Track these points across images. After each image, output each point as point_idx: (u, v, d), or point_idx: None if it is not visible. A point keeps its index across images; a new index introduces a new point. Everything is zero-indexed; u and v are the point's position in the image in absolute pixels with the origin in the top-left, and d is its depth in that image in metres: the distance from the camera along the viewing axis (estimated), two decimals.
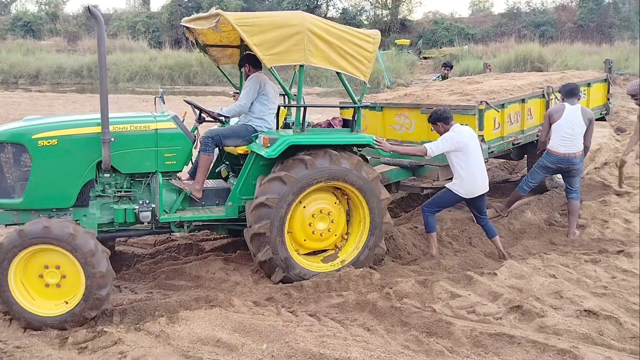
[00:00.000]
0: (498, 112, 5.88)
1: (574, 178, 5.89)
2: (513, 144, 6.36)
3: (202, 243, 5.91)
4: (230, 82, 6.04)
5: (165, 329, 3.70)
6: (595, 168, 8.79)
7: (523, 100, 6.35)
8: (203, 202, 4.91)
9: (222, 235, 5.82)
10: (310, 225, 4.78)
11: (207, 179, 5.40)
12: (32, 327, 3.91)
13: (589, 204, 6.61)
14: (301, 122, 4.69)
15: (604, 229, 5.85)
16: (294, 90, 4.92)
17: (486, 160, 5.87)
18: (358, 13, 45.47)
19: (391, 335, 3.78)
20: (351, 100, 5.00)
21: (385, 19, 45.29)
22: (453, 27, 42.46)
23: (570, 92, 5.90)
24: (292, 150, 4.61)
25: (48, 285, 3.97)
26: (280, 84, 4.72)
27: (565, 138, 5.73)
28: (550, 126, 5.87)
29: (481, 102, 5.64)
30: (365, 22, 44.79)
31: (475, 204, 5.33)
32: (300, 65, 4.54)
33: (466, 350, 3.53)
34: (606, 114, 8.05)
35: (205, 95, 22.40)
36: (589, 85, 7.37)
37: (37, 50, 32.85)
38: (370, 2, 45.97)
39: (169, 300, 4.31)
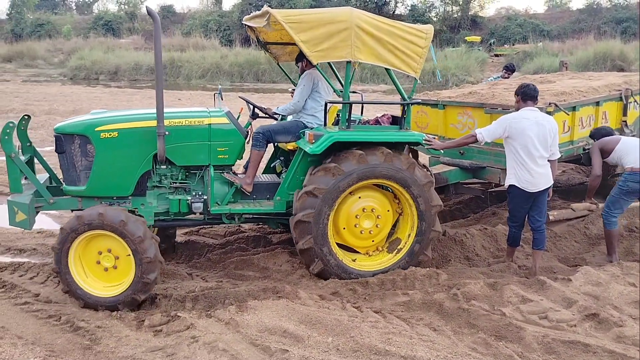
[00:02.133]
0: (568, 115, 5.57)
1: None
2: (584, 149, 6.00)
3: (270, 235, 6.04)
4: (291, 80, 6.11)
5: (234, 317, 3.82)
6: None
7: (597, 103, 5.99)
8: (254, 196, 4.97)
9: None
10: (356, 217, 4.72)
11: (262, 173, 5.47)
12: (88, 307, 4.18)
13: None
14: (347, 118, 4.62)
15: None
16: (359, 87, 4.88)
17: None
18: (427, 10, 44.72)
19: (458, 336, 3.72)
20: (401, 97, 4.85)
21: (456, 15, 44.26)
22: (527, 23, 40.89)
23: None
24: (340, 147, 4.59)
25: (106, 269, 4.25)
26: (327, 81, 4.69)
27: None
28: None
29: (550, 103, 5.37)
30: (435, 19, 43.98)
31: (537, 202, 4.81)
32: (348, 62, 4.46)
33: (537, 356, 3.42)
34: None
35: (274, 92, 22.79)
36: None
37: (117, 48, 34.65)
38: None
39: (238, 289, 4.45)
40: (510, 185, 4.78)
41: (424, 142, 4.78)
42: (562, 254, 5.46)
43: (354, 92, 5.87)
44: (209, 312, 4.02)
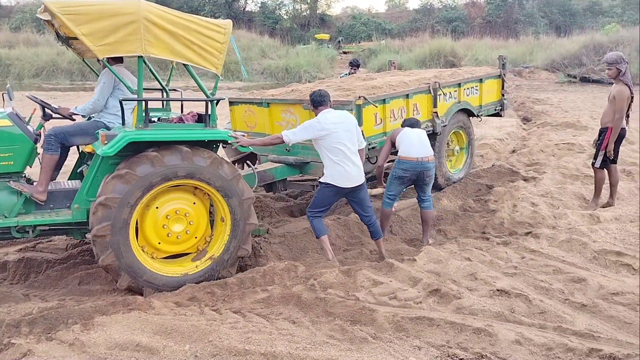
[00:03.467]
0: (377, 107, 5.88)
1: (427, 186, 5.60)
2: None
3: None
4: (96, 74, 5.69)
5: (79, 337, 3.50)
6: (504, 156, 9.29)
7: (407, 96, 6.35)
8: (52, 205, 4.61)
9: None
10: (164, 227, 4.48)
11: (69, 179, 5.13)
12: None
13: (499, 189, 6.99)
14: (144, 117, 4.34)
15: (513, 212, 6.20)
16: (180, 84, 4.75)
17: (367, 157, 5.96)
18: (277, 7, 45.34)
19: (316, 326, 3.80)
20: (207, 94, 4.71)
21: (305, 13, 45.48)
22: (371, 22, 43.38)
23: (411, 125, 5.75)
24: (143, 149, 4.35)
25: None
26: (155, 77, 4.53)
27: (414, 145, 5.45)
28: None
29: (359, 97, 5.61)
30: (285, 17, 44.76)
31: (356, 199, 5.02)
32: (139, 57, 4.26)
33: (389, 335, 3.62)
34: (501, 110, 8.16)
35: None
36: (480, 81, 7.54)
37: None
38: None
39: (83, 306, 4.09)
40: (323, 182, 4.90)
41: (229, 137, 4.62)
42: (408, 236, 5.86)
43: (173, 89, 5.76)
44: (50, 334, 3.63)
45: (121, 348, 3.41)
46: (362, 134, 5.16)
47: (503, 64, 8.02)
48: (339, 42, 37.54)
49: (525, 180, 7.53)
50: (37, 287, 4.73)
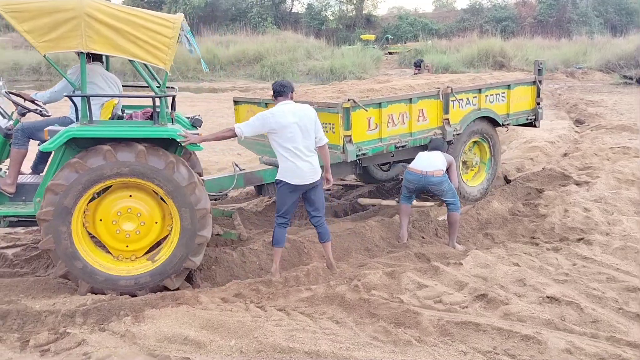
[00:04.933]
0: (367, 111, 5.58)
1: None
2: (396, 147, 5.97)
3: None
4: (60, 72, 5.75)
5: (130, 329, 3.62)
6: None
7: (410, 101, 6.00)
8: (23, 198, 4.70)
9: None
10: (114, 223, 4.43)
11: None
12: None
13: (550, 193, 6.78)
14: (88, 113, 4.31)
15: (565, 217, 6.01)
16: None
17: (356, 162, 5.90)
18: (323, 8, 45.47)
19: (360, 327, 3.80)
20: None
21: (351, 14, 45.42)
22: (417, 22, 42.90)
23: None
24: (90, 145, 4.34)
25: None
26: (141, 74, 4.48)
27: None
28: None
29: (348, 100, 5.37)
30: (331, 18, 44.86)
31: (309, 198, 4.80)
32: (82, 53, 4.24)
33: (434, 339, 3.58)
34: (534, 119, 7.51)
35: (138, 89, 22.02)
36: (508, 87, 7.05)
37: None
38: None
39: (134, 299, 4.23)
40: (277, 179, 4.71)
41: (178, 136, 4.42)
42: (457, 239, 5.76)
43: (158, 86, 5.77)
44: (102, 325, 3.78)
45: (170, 341, 3.51)
46: (352, 140, 5.16)
47: (539, 70, 7.39)
48: (387, 39, 37.30)
49: (577, 184, 7.28)
50: None
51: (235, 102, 6.97)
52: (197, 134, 4.73)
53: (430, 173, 5.58)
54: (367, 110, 5.60)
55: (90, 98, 4.44)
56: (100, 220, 4.45)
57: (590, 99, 17.80)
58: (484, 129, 6.98)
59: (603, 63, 26.48)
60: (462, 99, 6.53)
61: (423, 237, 5.87)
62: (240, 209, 6.90)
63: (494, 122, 7.06)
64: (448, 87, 6.32)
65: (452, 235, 5.67)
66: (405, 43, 37.87)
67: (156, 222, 4.54)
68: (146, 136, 4.40)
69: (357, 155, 5.61)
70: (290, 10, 45.97)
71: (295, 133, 4.52)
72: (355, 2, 45.28)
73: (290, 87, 4.71)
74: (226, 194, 5.61)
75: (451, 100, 6.36)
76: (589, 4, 42.43)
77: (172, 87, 5.52)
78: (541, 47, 30.57)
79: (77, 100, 4.63)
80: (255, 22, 39.90)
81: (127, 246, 4.54)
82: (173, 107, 4.98)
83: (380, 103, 5.73)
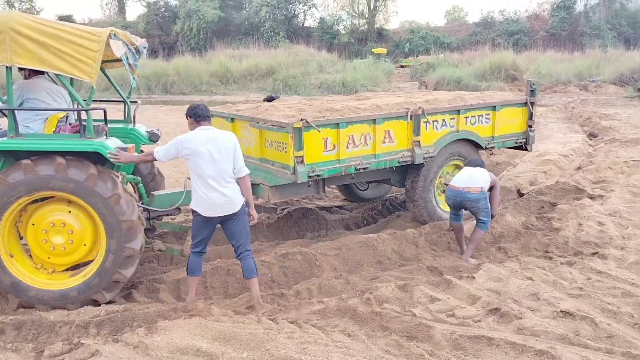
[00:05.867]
0: (319, 132, 5.33)
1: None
2: (356, 169, 5.71)
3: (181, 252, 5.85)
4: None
5: (143, 340, 3.64)
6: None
7: (374, 122, 5.72)
8: None
9: None
10: (44, 232, 4.46)
11: None
12: None
13: (563, 207, 6.73)
14: (14, 127, 4.37)
15: (579, 231, 5.96)
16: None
17: (308, 184, 5.57)
18: (335, 22, 45.79)
19: (372, 340, 3.78)
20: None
21: (362, 28, 45.69)
22: (429, 36, 43.04)
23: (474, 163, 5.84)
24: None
25: None
26: (67, 87, 4.48)
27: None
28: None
29: (300, 120, 5.22)
30: (343, 32, 45.13)
31: (227, 229, 4.51)
32: (8, 67, 4.27)
33: (446, 353, 3.55)
34: (525, 143, 7.11)
35: (183, 104, 22.26)
36: (494, 109, 6.68)
37: None
38: (347, 12, 46.35)
39: (147, 310, 4.26)
40: (191, 208, 4.49)
41: (103, 151, 4.38)
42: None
43: (134, 101, 6.02)
44: (116, 336, 3.81)
45: (182, 352, 3.52)
46: (303, 161, 5.11)
47: (532, 90, 6.95)
48: (404, 53, 37.47)
49: (591, 198, 7.22)
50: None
51: (212, 116, 6.75)
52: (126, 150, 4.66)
53: (467, 189, 5.54)
54: (319, 131, 5.34)
55: (34, 113, 4.62)
56: (33, 224, 4.49)
57: (604, 112, 17.68)
58: (465, 152, 6.63)
59: (617, 76, 26.32)
60: (436, 121, 6.24)
61: (435, 251, 5.86)
62: None
63: (477, 145, 6.73)
64: (419, 107, 6.07)
65: (469, 250, 5.63)
66: (416, 56, 37.99)
67: (85, 245, 4.57)
68: (68, 149, 4.41)
69: (309, 177, 5.40)
70: (303, 25, 46.33)
71: (208, 161, 4.27)
72: (367, 16, 45.57)
73: (208, 111, 4.52)
74: (178, 209, 5.60)
75: (424, 122, 6.09)
76: (602, 17, 42.32)
77: (123, 100, 5.83)
78: (554, 60, 30.47)
79: (30, 115, 4.76)
80: (267, 36, 40.27)
81: (49, 258, 4.56)
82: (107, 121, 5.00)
83: (338, 123, 5.50)
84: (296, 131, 5.19)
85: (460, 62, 31.64)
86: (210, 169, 4.28)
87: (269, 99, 8.22)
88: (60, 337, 3.95)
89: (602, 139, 12.64)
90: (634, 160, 9.29)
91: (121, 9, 50.38)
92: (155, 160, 4.47)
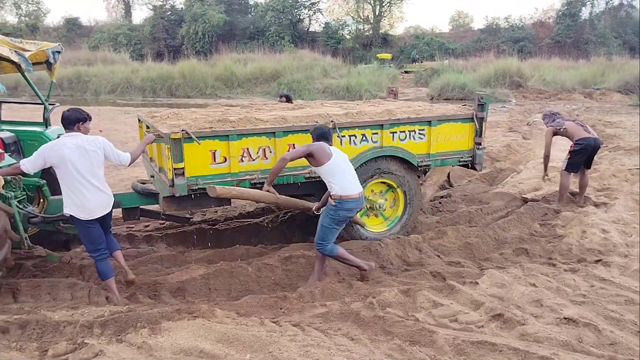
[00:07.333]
0: (199, 144, 4.97)
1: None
2: (251, 183, 5.29)
3: (184, 254, 5.88)
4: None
5: (147, 340, 3.66)
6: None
7: (274, 134, 5.27)
8: None
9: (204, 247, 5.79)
10: None
11: None
12: None
13: (567, 214, 6.73)
14: None
15: (582, 238, 5.96)
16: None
17: (175, 194, 5.05)
18: (340, 27, 45.93)
19: (375, 344, 3.79)
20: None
21: (367, 33, 45.82)
22: (434, 41, 43.13)
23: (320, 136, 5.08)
24: None
25: None
26: (35, 91, 4.62)
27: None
28: None
29: (182, 130, 4.92)
30: (348, 37, 45.27)
31: (103, 223, 4.69)
32: None
33: (449, 358, 3.56)
34: (472, 162, 6.36)
35: (188, 106, 22.37)
36: (429, 124, 5.98)
37: None
38: (352, 17, 46.50)
39: (151, 311, 4.27)
40: (68, 214, 4.50)
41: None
42: (475, 256, 5.74)
43: (52, 103, 6.14)
44: (120, 336, 3.82)
45: (186, 353, 3.53)
46: (184, 173, 4.89)
47: (481, 105, 6.15)
48: (413, 60, 37.57)
49: (595, 205, 7.22)
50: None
51: (140, 121, 6.40)
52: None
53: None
54: (199, 143, 4.99)
55: None
56: None
57: (609, 120, 17.67)
58: (395, 169, 6.01)
59: (621, 84, 26.34)
60: (354, 135, 5.67)
61: (439, 256, 5.85)
62: (256, 225, 6.96)
63: (408, 163, 6.04)
64: (331, 121, 5.54)
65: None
66: (422, 62, 38.07)
67: None
68: None
69: (193, 190, 5.06)
70: (308, 29, 46.49)
71: (78, 165, 4.32)
72: (372, 21, 45.69)
73: (77, 117, 4.48)
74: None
75: (341, 137, 5.58)
76: (607, 25, 42.32)
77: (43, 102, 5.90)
78: (559, 67, 30.52)
79: None
80: (272, 40, 40.44)
81: None
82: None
83: (227, 135, 5.10)
84: (175, 142, 4.86)
85: (465, 68, 31.69)
86: (84, 173, 4.37)
87: (287, 98, 8.09)
88: (65, 337, 3.96)
89: (607, 146, 12.63)
90: (638, 168, 9.27)
91: (127, 12, 50.67)
92: (23, 172, 4.43)
